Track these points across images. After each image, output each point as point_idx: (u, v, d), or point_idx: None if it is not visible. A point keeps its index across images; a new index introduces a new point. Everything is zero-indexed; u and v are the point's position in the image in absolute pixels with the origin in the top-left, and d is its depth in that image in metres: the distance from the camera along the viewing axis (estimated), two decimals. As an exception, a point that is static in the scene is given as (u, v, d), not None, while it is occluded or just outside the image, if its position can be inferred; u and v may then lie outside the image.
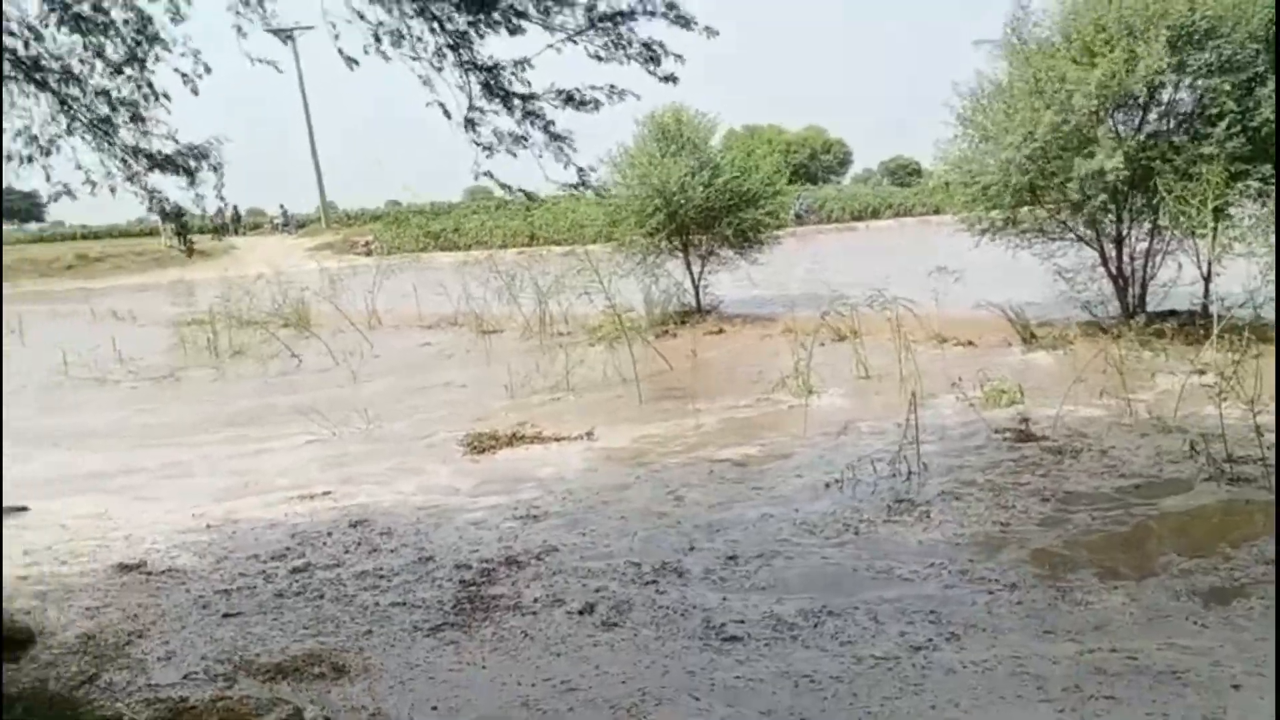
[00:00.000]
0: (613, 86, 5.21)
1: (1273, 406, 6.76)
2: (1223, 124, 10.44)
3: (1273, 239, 11.06)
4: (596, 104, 5.30)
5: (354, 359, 14.02)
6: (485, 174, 5.57)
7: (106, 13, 5.27)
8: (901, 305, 10.70)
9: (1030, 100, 11.28)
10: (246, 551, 6.02)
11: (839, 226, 48.38)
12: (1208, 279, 11.18)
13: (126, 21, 5.32)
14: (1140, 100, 11.37)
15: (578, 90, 5.25)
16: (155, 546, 6.23)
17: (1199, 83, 11.15)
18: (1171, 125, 11.41)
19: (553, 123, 5.38)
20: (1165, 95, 11.41)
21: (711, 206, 16.25)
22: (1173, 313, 11.53)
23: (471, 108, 5.35)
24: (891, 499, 6.19)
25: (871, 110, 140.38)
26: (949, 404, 8.79)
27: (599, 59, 5.06)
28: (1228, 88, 10.63)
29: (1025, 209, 12.27)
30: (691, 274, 17.11)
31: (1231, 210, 11.18)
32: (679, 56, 5.16)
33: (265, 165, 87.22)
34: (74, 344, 15.80)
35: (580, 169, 5.64)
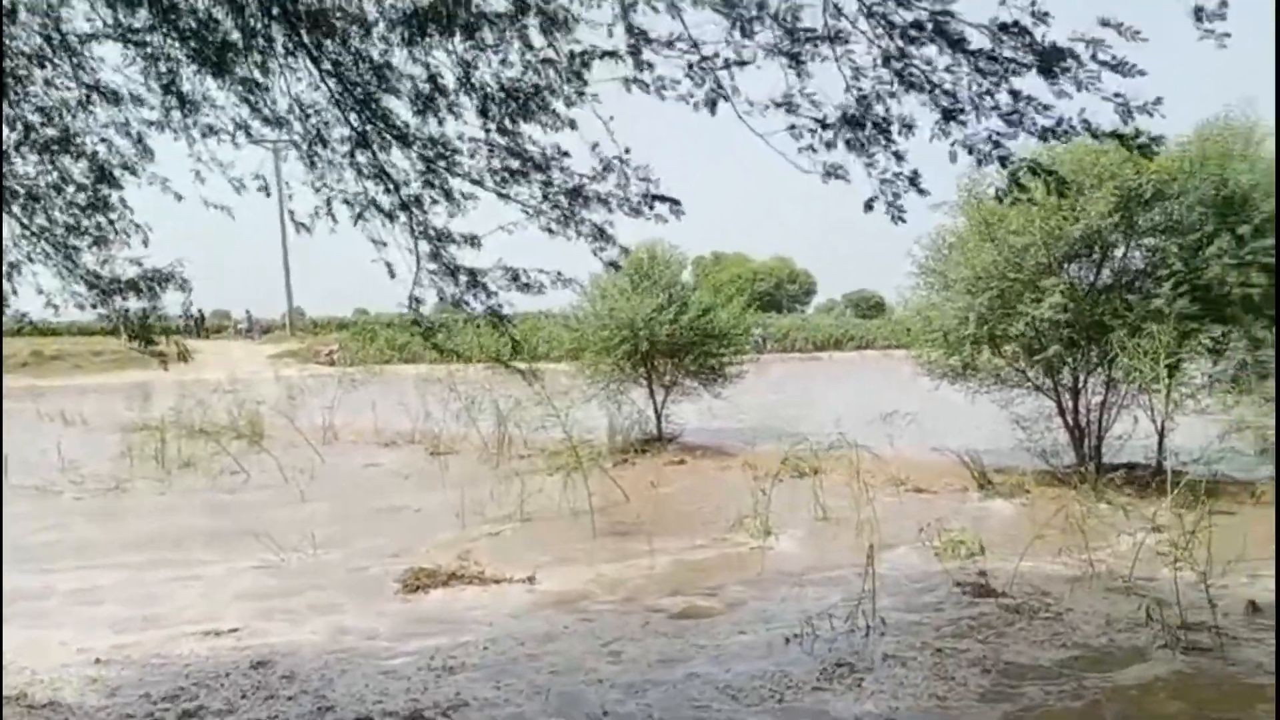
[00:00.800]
0: (560, 273, 5.27)
1: (1224, 574, 6.72)
2: (1169, 283, 10.73)
3: (1226, 399, 11.27)
4: (541, 287, 5.33)
5: (303, 477, 13.70)
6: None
7: (75, 141, 5.27)
8: (863, 448, 10.72)
9: (984, 249, 11.59)
10: (138, 690, 5.68)
11: (802, 356, 48.97)
12: (1161, 434, 11.29)
13: (95, 153, 5.32)
14: (1094, 256, 11.71)
15: (524, 272, 5.27)
16: (40, 679, 5.87)
17: (1148, 241, 11.53)
18: (1124, 282, 11.70)
19: (500, 304, 5.39)
20: (1118, 252, 11.75)
21: (677, 340, 16.45)
22: (1128, 466, 11.60)
23: (419, 270, 5.36)
24: (832, 661, 5.91)
25: (837, 243, 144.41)
26: (908, 553, 8.67)
27: (550, 232, 5.08)
28: (1175, 249, 10.99)
29: (984, 357, 12.46)
30: (655, 402, 17.14)
31: (1185, 367, 11.42)
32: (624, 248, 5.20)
33: (236, 266, 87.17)
34: (20, 448, 15.34)
35: (516, 343, 5.65)
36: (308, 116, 5.25)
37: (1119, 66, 3.59)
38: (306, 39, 4.79)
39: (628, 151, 4.66)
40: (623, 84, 4.22)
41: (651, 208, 4.87)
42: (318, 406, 19.92)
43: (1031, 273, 11.37)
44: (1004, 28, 3.58)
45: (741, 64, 4.04)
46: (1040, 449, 12.11)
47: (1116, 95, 3.62)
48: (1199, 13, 3.75)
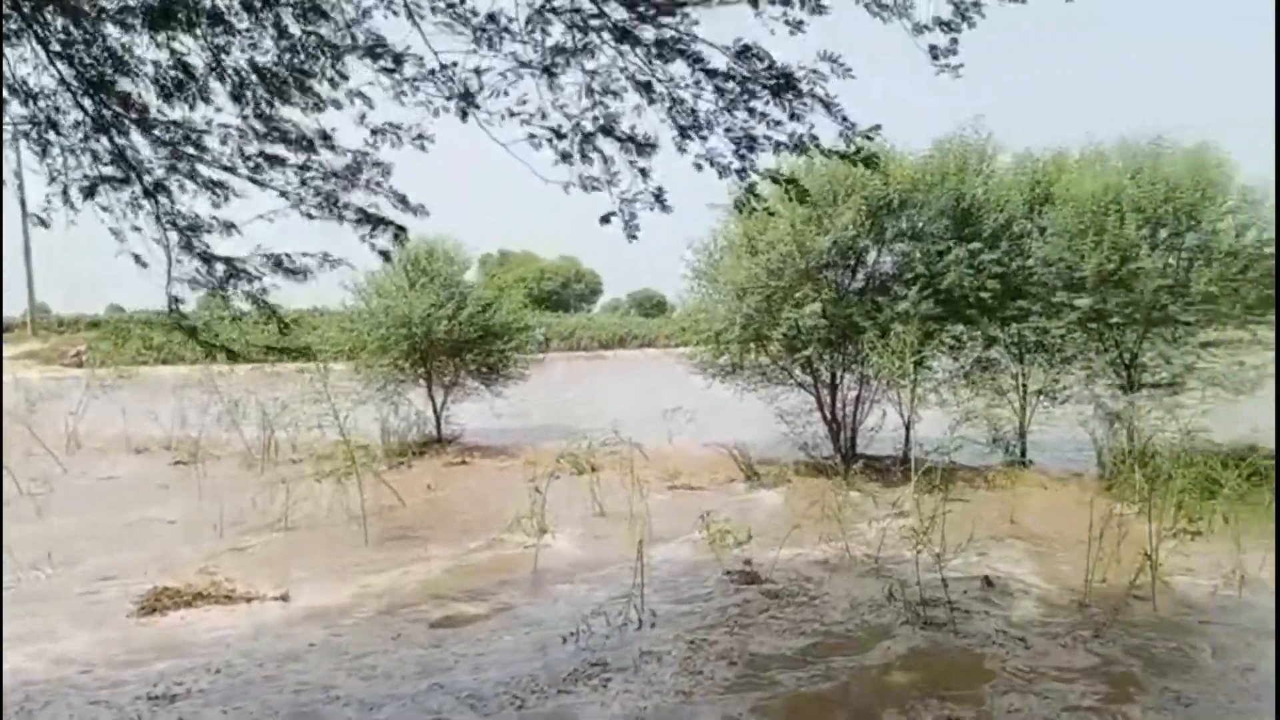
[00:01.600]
0: (326, 254, 5.04)
1: (958, 554, 7.34)
2: (915, 287, 11.62)
3: (962, 393, 12.32)
4: (307, 273, 5.08)
5: (42, 489, 12.47)
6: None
7: None
8: (636, 445, 10.94)
9: (749, 256, 12.16)
10: None
11: (587, 355, 49.49)
12: (908, 426, 12.21)
13: None
14: (849, 262, 12.50)
15: (288, 256, 5.01)
16: None
17: (896, 248, 12.44)
18: (875, 285, 12.56)
19: (264, 289, 5.10)
20: (870, 258, 12.61)
21: (458, 338, 16.21)
22: (877, 457, 12.49)
23: (171, 261, 4.99)
24: (588, 662, 5.91)
25: (623, 243, 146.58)
26: (681, 546, 8.93)
27: (310, 218, 4.86)
28: (920, 255, 11.91)
29: (751, 356, 13.05)
30: (434, 402, 16.80)
31: (930, 364, 12.42)
32: (400, 229, 5.05)
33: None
34: None
35: (284, 324, 5.36)
36: (35, 99, 4.79)
37: (829, 105, 3.87)
38: (33, 20, 4.37)
39: (375, 146, 4.53)
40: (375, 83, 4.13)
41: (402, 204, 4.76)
42: (61, 412, 18.19)
43: (793, 278, 12.00)
44: (743, 51, 3.75)
45: (478, 73, 4.03)
46: (802, 441, 12.84)
47: (845, 120, 3.87)
48: (934, 50, 4.09)
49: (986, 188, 12.44)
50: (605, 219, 4.50)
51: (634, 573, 6.83)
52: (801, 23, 3.83)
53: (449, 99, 4.15)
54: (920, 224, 12.27)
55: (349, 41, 4.33)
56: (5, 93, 4.75)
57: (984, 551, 8.33)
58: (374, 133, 4.59)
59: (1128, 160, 12.11)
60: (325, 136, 4.89)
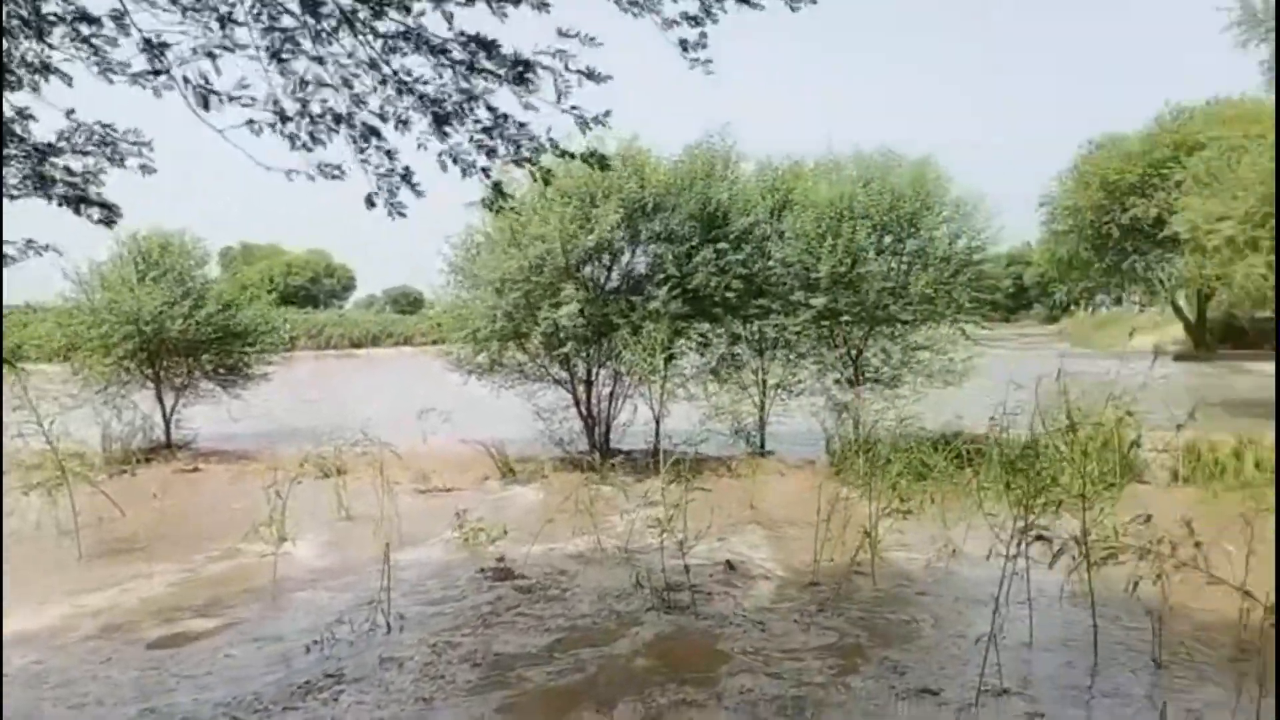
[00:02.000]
0: (30, 240, 4.56)
1: (700, 540, 7.67)
2: (666, 287, 12.03)
3: (710, 387, 12.87)
4: (8, 260, 4.59)
5: None
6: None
7: None
8: (386, 445, 10.62)
9: (509, 252, 12.13)
10: None
11: (338, 353, 47.58)
12: (658, 420, 12.61)
13: None
14: (605, 261, 12.76)
15: None
16: None
17: (649, 249, 12.82)
18: (629, 285, 12.88)
19: None
20: (624, 258, 12.92)
21: (194, 338, 15.12)
22: (630, 451, 12.83)
23: None
24: (323, 673, 5.61)
25: (378, 237, 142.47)
26: (434, 545, 8.77)
27: (12, 197, 4.38)
28: (670, 256, 12.33)
29: (510, 353, 13.03)
30: (163, 406, 15.57)
31: (679, 360, 12.88)
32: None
33: None
34: None
35: None
36: None
37: (591, 75, 3.93)
38: None
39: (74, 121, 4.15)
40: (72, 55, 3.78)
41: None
42: None
43: (552, 276, 12.10)
44: (473, 40, 3.74)
45: (212, 56, 3.80)
46: (558, 437, 12.98)
47: (574, 107, 3.93)
48: (684, 44, 4.22)
49: (731, 193, 13.08)
50: (369, 201, 4.35)
51: (381, 577, 6.63)
52: (546, 4, 3.87)
53: (155, 74, 3.85)
54: (672, 226, 12.71)
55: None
56: None
57: (725, 537, 8.75)
58: (68, 114, 4.20)
59: (861, 170, 13.14)
60: (25, 115, 4.44)
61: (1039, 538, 5.21)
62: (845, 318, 12.58)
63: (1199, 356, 35.25)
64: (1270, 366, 30.58)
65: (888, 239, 12.81)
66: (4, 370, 11.27)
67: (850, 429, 11.94)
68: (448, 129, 4.06)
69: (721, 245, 12.43)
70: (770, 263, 12.82)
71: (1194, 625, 5.92)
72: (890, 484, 8.05)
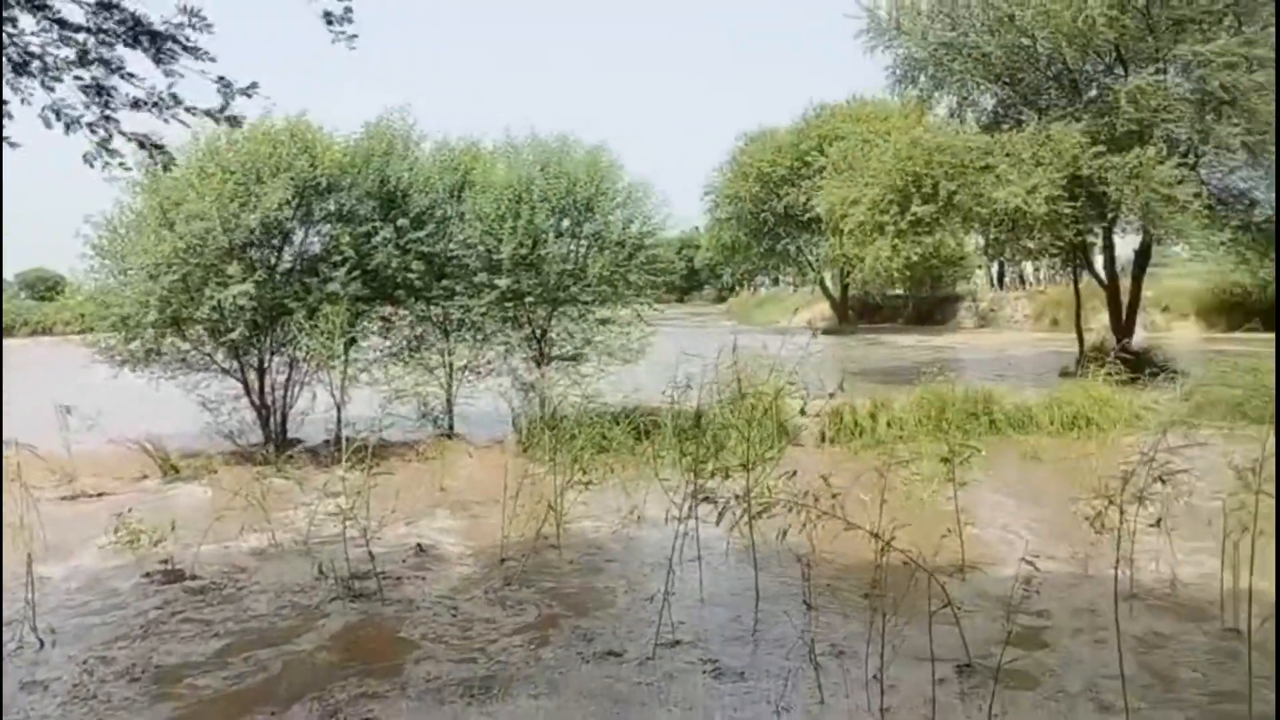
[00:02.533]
0: None
1: (386, 525, 7.56)
2: (344, 268, 11.64)
3: (391, 370, 12.63)
4: None
5: None
6: None
7: None
8: (25, 446, 9.44)
9: (162, 232, 11.18)
10: None
11: (-42, 346, 41.30)
12: (340, 407, 12.19)
13: None
14: (275, 242, 12.09)
15: None
16: None
17: (324, 229, 12.33)
18: (303, 266, 12.31)
19: None
20: (297, 238, 12.32)
21: None
22: (310, 440, 12.30)
23: None
24: None
25: (9, 217, 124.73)
26: (87, 553, 7.95)
27: None
28: (348, 236, 11.94)
29: (169, 341, 12.01)
30: None
31: (361, 344, 12.51)
32: None
33: None
34: None
35: None
36: None
37: (196, 52, 3.76)
38: None
39: None
40: None
41: None
42: None
43: (214, 257, 11.29)
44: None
45: None
46: (228, 430, 12.15)
47: (221, 79, 3.77)
48: (329, 16, 4.09)
49: (412, 172, 12.87)
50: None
51: (26, 589, 5.93)
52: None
53: None
54: (348, 206, 12.28)
55: None
56: None
57: (414, 521, 8.69)
58: None
59: (538, 154, 13.40)
60: None
61: (705, 499, 5.65)
62: (529, 299, 12.83)
63: (842, 330, 39.46)
64: (901, 338, 34.92)
65: (566, 222, 13.22)
66: None
67: (536, 407, 12.22)
68: (54, 84, 3.70)
69: (401, 223, 12.21)
70: (452, 244, 12.78)
71: (836, 568, 6.71)
72: (573, 458, 8.36)
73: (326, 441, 11.98)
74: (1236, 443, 5.03)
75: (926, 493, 7.88)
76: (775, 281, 60.86)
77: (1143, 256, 19.73)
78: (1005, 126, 18.08)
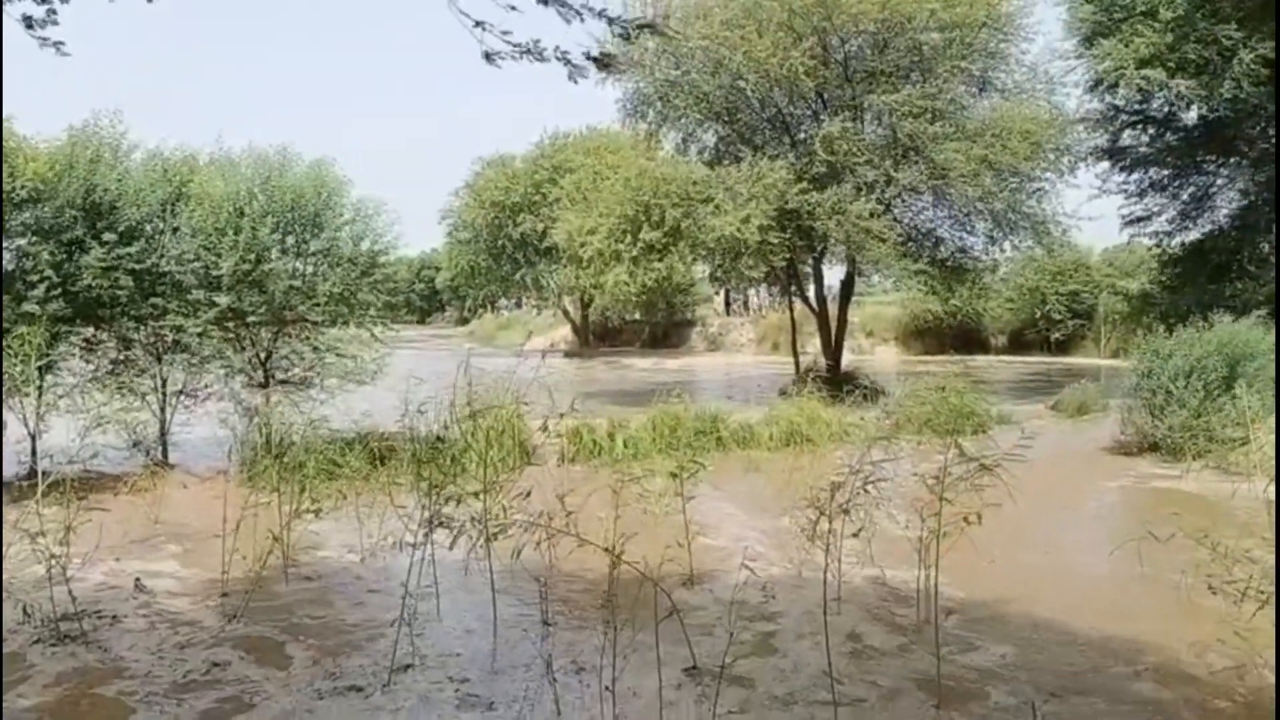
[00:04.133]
0: None
1: (93, 562, 6.92)
2: (43, 286, 10.59)
3: (98, 397, 11.58)
4: None
5: None
6: None
7: None
8: None
9: None
10: None
11: None
12: (34, 437, 11.01)
13: None
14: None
15: None
16: None
17: (20, 243, 11.16)
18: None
19: None
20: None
21: None
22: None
23: None
24: None
25: None
26: None
27: None
28: (48, 253, 10.86)
29: None
30: None
31: (60, 368, 11.38)
32: None
33: None
34: None
35: None
36: None
37: None
38: None
39: None
40: None
41: None
42: None
43: None
44: None
45: None
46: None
47: None
48: (29, 21, 3.77)
49: (121, 183, 11.89)
50: None
51: None
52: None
53: None
54: (49, 218, 11.16)
55: None
56: None
57: (125, 556, 8.02)
58: None
59: (258, 167, 12.78)
60: None
61: (440, 524, 5.65)
62: (251, 318, 12.18)
63: (583, 354, 40.29)
64: (639, 360, 36.13)
65: (290, 239, 12.69)
66: None
67: (260, 434, 11.60)
68: None
69: (108, 238, 11.23)
70: (165, 260, 11.89)
71: (578, 585, 6.90)
72: (301, 486, 8.04)
73: (20, 475, 10.77)
74: (926, 454, 5.68)
75: (659, 508, 8.25)
76: (518, 304, 61.13)
77: (848, 285, 21.66)
78: (726, 161, 19.30)
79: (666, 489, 8.19)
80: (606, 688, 4.74)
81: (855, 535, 5.89)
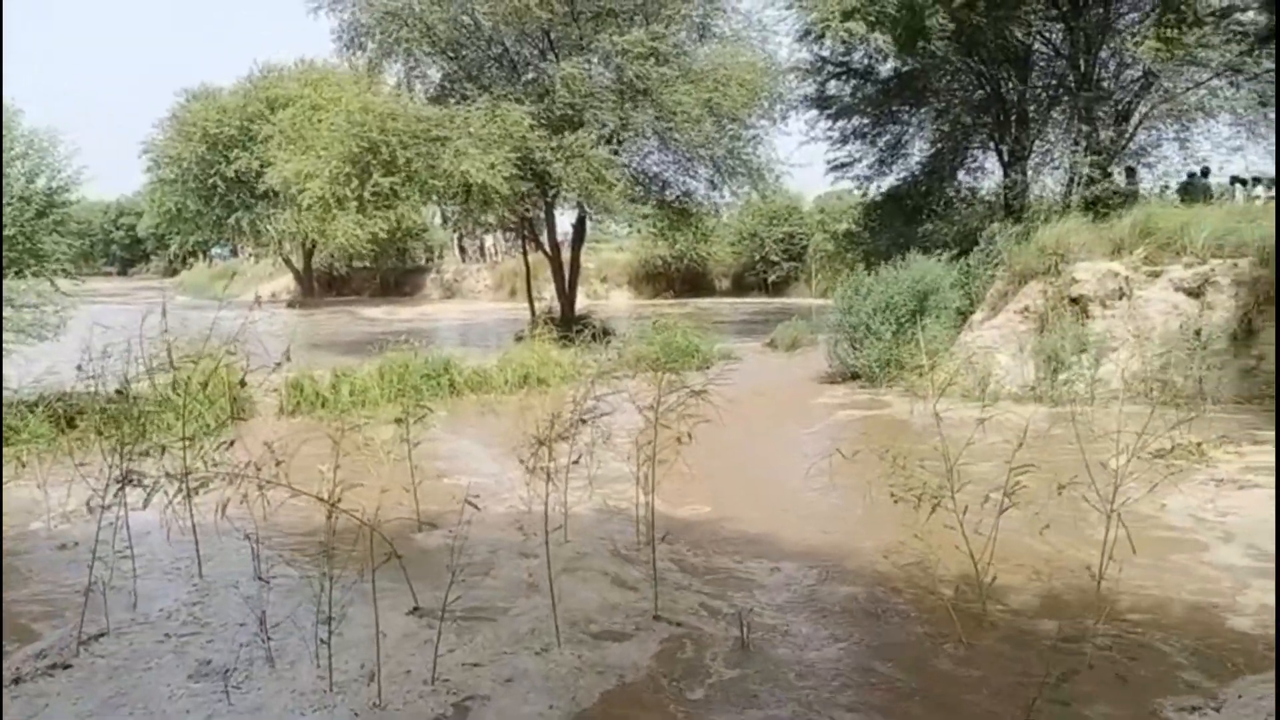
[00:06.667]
0: None
1: None
2: None
3: None
4: None
5: None
6: None
7: None
8: None
9: None
10: None
11: None
12: None
13: None
14: None
15: None
16: None
17: None
18: None
19: None
20: None
21: None
22: None
23: None
24: None
25: None
26: None
27: None
28: None
29: None
30: None
31: None
32: None
33: None
34: None
35: None
36: None
37: None
38: None
39: None
40: None
41: None
42: None
43: None
44: None
45: None
46: None
47: None
48: None
49: None
50: None
51: None
52: None
53: None
54: None
55: None
56: None
57: None
58: None
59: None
60: None
61: (132, 483, 5.18)
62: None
63: (308, 304, 38.24)
64: (369, 310, 34.82)
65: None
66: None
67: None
68: None
69: None
70: None
71: (295, 538, 6.56)
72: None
73: None
74: (652, 390, 5.85)
75: (385, 455, 7.99)
76: (234, 252, 56.70)
77: (579, 230, 21.86)
78: (453, 100, 18.71)
79: (396, 436, 7.96)
80: (322, 640, 4.55)
81: (575, 462, 6.01)
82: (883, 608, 5.45)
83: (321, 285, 41.69)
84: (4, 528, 7.19)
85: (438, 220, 36.68)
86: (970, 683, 4.48)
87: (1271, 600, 5.23)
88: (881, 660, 4.74)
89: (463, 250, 43.28)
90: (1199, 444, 7.73)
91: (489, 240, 40.35)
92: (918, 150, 21.62)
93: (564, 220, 23.25)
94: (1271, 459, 8.39)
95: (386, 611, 5.20)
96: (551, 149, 17.27)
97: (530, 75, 18.93)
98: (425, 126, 17.25)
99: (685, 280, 36.97)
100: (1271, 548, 6.09)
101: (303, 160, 17.89)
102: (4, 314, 11.42)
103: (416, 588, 5.39)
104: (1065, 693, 4.06)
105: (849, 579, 5.90)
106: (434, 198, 19.27)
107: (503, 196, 17.06)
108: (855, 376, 13.70)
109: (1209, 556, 6.19)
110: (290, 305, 37.76)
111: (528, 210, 19.76)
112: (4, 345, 10.96)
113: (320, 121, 18.55)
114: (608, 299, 34.96)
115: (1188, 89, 17.69)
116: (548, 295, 22.67)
